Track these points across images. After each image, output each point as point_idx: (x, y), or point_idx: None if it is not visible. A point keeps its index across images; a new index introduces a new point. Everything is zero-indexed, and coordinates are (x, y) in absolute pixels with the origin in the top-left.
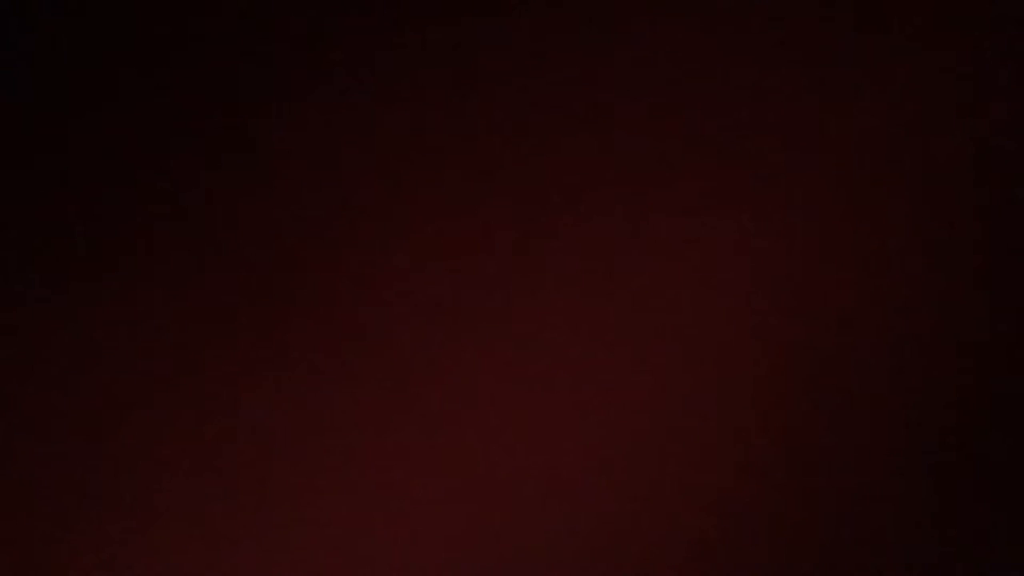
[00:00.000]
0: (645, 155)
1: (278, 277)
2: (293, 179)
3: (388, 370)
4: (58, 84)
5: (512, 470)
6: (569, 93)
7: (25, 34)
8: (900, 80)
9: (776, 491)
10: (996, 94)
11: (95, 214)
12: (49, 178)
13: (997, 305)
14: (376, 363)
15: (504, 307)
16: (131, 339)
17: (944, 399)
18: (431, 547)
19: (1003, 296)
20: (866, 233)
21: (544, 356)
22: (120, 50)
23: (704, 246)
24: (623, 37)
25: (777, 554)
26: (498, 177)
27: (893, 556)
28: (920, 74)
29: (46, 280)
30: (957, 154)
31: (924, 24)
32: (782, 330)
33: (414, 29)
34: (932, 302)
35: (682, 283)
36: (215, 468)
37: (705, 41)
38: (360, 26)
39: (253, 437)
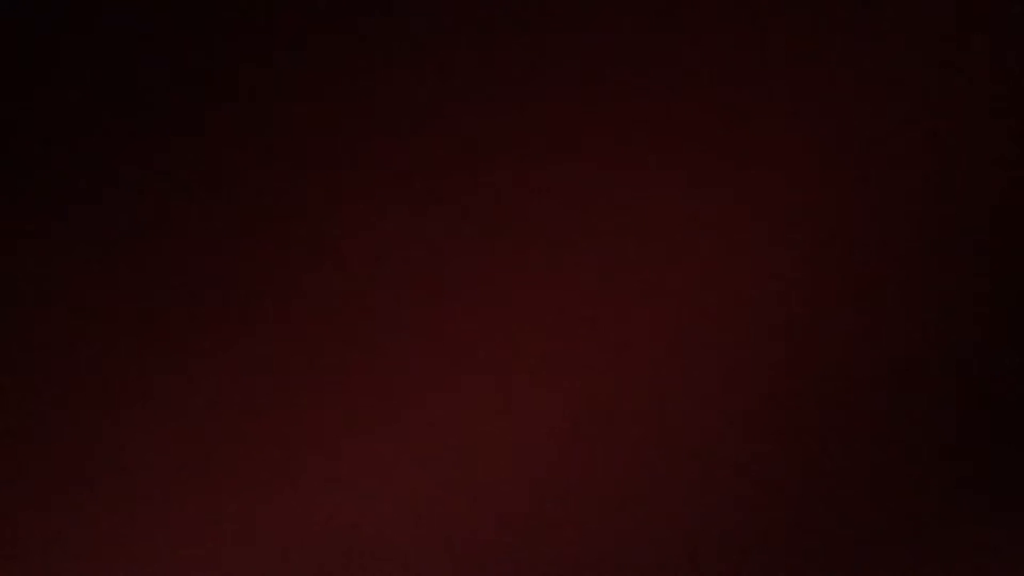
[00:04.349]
0: (639, 145)
1: (255, 260)
2: (272, 159)
3: (369, 355)
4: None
5: (494, 459)
6: (558, 75)
7: None
8: (897, 75)
9: (766, 487)
10: (993, 92)
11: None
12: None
13: (992, 303)
14: (357, 349)
15: (489, 294)
16: (111, 322)
17: (937, 397)
18: (413, 536)
19: (997, 293)
20: (859, 224)
21: (527, 342)
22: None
23: (696, 237)
24: (617, 21)
25: (766, 551)
26: (485, 162)
27: (884, 556)
28: (918, 70)
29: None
30: (954, 150)
31: (923, 22)
32: (773, 325)
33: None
34: (925, 295)
35: (672, 271)
36: (199, 452)
37: (703, 29)
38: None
39: (237, 417)
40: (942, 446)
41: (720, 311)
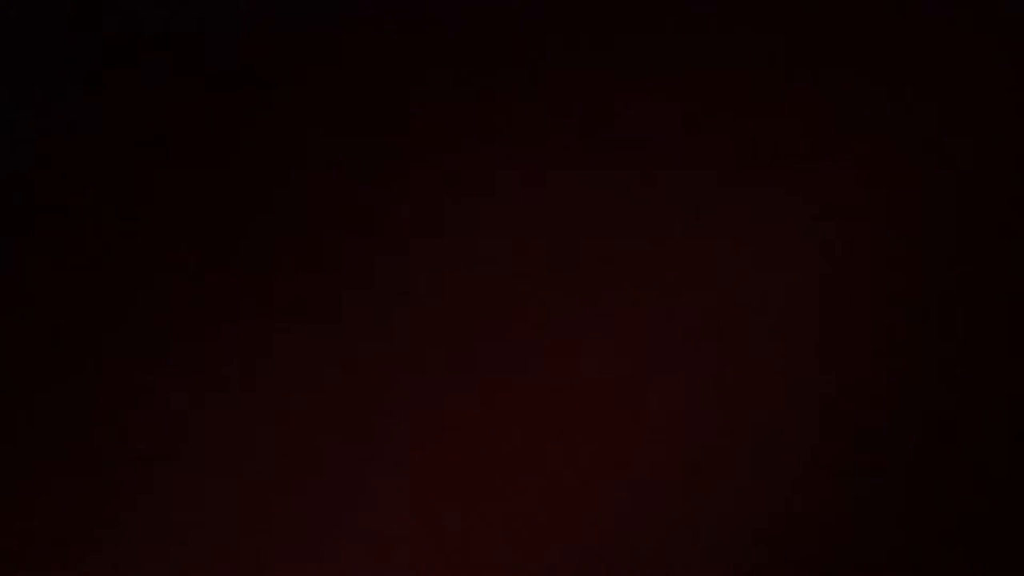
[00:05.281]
0: (657, 161)
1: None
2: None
3: (401, 369)
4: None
5: (518, 469)
6: (575, 90)
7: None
8: (916, 78)
9: (779, 489)
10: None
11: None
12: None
13: (999, 307)
14: (389, 364)
15: (521, 310)
16: (140, 330)
17: (951, 396)
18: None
19: (1004, 297)
20: (867, 224)
21: (551, 354)
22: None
23: (713, 247)
24: (634, 32)
25: (779, 552)
26: (521, 184)
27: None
28: (936, 75)
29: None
30: (969, 153)
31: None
32: (790, 331)
33: (420, 33)
34: (938, 297)
35: (693, 281)
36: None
37: (716, 35)
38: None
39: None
40: (955, 446)
41: (734, 312)
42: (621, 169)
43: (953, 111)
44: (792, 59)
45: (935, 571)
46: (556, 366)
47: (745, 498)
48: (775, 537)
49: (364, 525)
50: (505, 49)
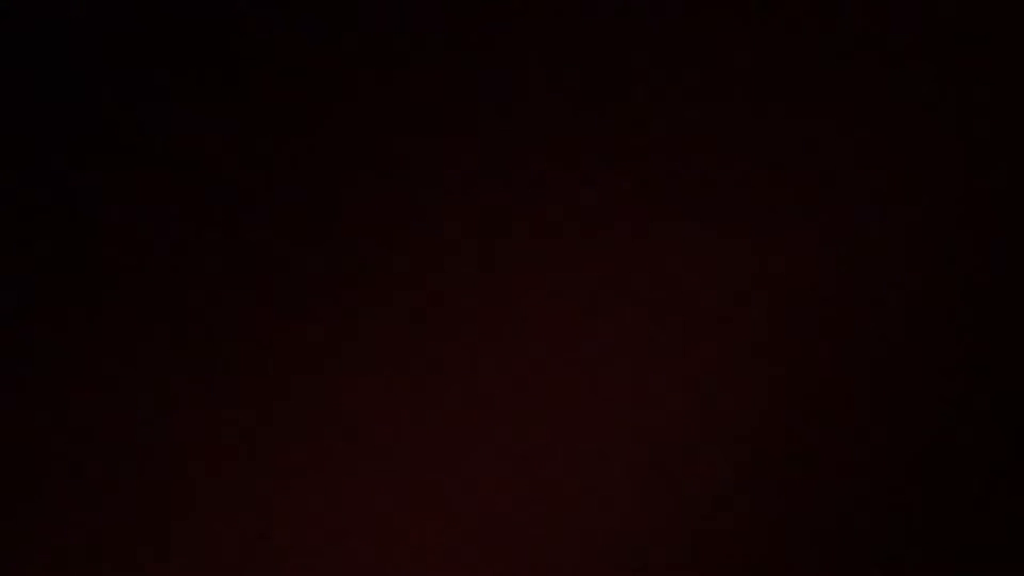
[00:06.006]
0: (653, 166)
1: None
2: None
3: (401, 367)
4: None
5: (519, 468)
6: (576, 90)
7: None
8: (898, 88)
9: (783, 492)
10: (989, 103)
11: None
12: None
13: (998, 310)
14: (390, 363)
15: (520, 308)
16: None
17: (944, 402)
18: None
19: (1004, 301)
20: (869, 239)
21: (558, 357)
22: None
23: (711, 251)
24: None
25: (780, 552)
26: (517, 184)
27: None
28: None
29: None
30: (953, 160)
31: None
32: (788, 333)
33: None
34: (932, 304)
35: (691, 284)
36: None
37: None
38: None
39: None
40: (954, 445)
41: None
42: (617, 167)
43: (950, 107)
44: (792, 58)
45: (935, 571)
46: (555, 366)
47: (744, 497)
48: (773, 537)
49: (365, 525)
50: (502, 45)
